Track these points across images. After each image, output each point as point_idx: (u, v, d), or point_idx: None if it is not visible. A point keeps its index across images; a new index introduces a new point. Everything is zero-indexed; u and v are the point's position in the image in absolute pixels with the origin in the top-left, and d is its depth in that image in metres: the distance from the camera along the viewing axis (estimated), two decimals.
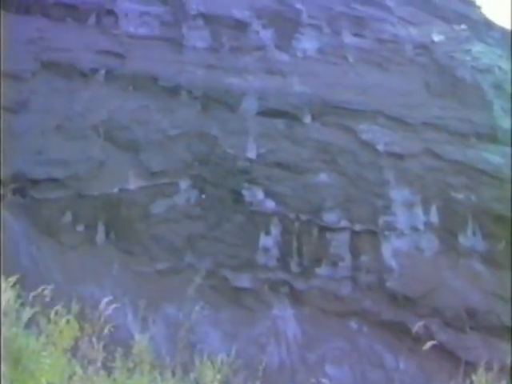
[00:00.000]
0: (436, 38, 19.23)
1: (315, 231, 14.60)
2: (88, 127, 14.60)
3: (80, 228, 13.55)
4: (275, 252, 14.27)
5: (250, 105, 15.76)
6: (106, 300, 6.31)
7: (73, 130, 14.45)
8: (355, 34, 18.28)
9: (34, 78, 15.07)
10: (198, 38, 17.05)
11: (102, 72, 15.62)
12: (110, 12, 17.13)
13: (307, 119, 15.93)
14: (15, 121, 14.01)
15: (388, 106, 16.65)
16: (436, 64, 18.37)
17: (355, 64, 17.55)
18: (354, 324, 14.17)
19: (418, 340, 8.47)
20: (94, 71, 15.59)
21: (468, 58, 18.68)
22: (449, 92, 17.73)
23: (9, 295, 5.61)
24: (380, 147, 15.93)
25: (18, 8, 16.47)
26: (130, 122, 14.97)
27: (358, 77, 17.20)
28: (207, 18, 17.45)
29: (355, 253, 14.73)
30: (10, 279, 5.94)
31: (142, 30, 16.98)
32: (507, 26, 22.05)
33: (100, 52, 16.01)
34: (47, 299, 6.23)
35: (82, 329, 5.90)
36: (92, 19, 16.84)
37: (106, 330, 6.05)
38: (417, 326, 7.70)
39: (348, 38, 18.16)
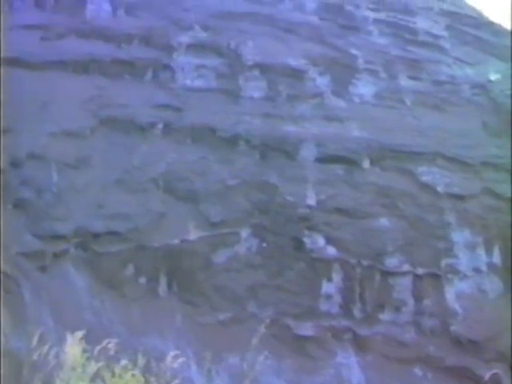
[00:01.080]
0: (492, 76, 19.17)
1: (377, 276, 14.48)
2: (147, 180, 14.87)
3: (142, 280, 13.67)
4: (337, 299, 14.19)
5: (308, 152, 15.86)
6: (172, 354, 6.31)
7: (132, 183, 14.73)
8: (411, 77, 18.40)
9: (93, 135, 15.49)
10: (254, 87, 17.32)
11: (160, 126, 15.97)
12: (167, 66, 17.63)
13: (366, 164, 15.96)
14: (76, 176, 14.38)
15: (446, 147, 16.61)
16: (493, 103, 18.32)
17: (412, 107, 17.61)
18: (418, 370, 13.92)
19: None
20: (152, 125, 15.95)
21: None
22: (506, 130, 17.56)
23: (75, 350, 5.68)
24: (440, 189, 15.85)
25: (75, 68, 17.06)
26: (189, 174, 15.19)
27: (416, 119, 17.24)
28: (263, 68, 17.73)
29: (418, 297, 14.56)
30: (76, 334, 6.02)
31: (198, 83, 17.36)
32: None
33: (157, 106, 16.39)
34: (111, 353, 6.27)
35: (147, 383, 5.92)
36: (149, 74, 17.32)
37: None
38: (488, 375, 7.54)
39: (404, 81, 18.26)
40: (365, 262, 14.51)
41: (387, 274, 14.58)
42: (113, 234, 13.90)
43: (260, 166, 15.58)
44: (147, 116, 16.10)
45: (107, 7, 19.62)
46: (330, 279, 14.33)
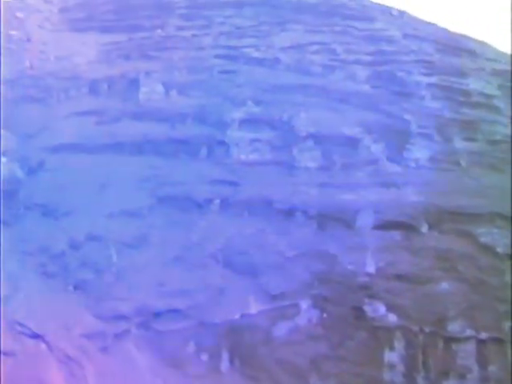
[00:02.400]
0: None
1: (440, 343, 14.47)
2: (206, 256, 15.42)
3: (204, 357, 13.95)
4: (401, 367, 14.18)
5: (365, 219, 16.17)
6: None
7: (192, 259, 15.33)
8: (466, 139, 18.64)
9: (151, 214, 16.29)
10: (309, 158, 17.88)
11: (217, 201, 16.61)
12: (221, 142, 18.45)
13: (424, 228, 16.07)
14: (136, 256, 15.14)
15: (505, 206, 16.70)
16: None
17: (468, 168, 17.80)
18: None
19: None
20: (209, 201, 16.62)
21: None
22: None
23: None
24: (500, 249, 15.88)
25: (130, 149, 18.11)
26: (247, 247, 15.67)
27: (473, 180, 17.41)
28: (317, 138, 18.34)
29: (482, 363, 14.43)
30: None
31: (253, 157, 18.05)
32: None
33: (213, 182, 17.12)
34: None
35: None
36: (204, 151, 18.17)
37: None
38: None
39: (459, 143, 18.53)
40: (427, 329, 14.52)
41: (450, 339, 14.55)
42: (174, 311, 14.39)
43: (318, 235, 15.93)
44: (204, 192, 16.82)
45: (160, 89, 20.80)
46: (392, 348, 14.40)
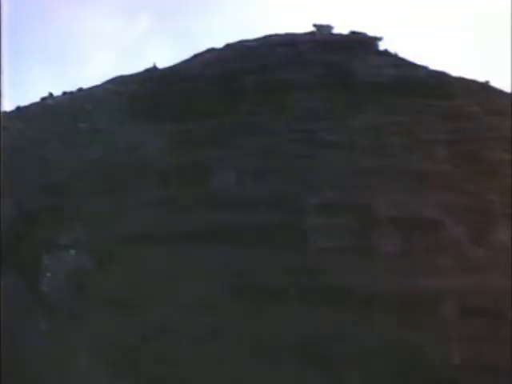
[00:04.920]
0: None
1: None
2: (282, 349, 15.75)
3: None
4: None
5: (449, 307, 16.31)
6: None
7: (268, 352, 15.68)
8: None
9: (225, 304, 16.80)
10: (388, 243, 18.30)
11: (293, 290, 17.05)
12: (297, 229, 19.09)
13: (510, 315, 16.25)
14: (210, 349, 15.62)
15: None
16: None
17: None
18: None
19: None
20: (285, 290, 17.09)
21: None
22: None
23: None
24: None
25: (203, 238, 18.83)
26: (325, 339, 15.97)
27: None
28: (397, 222, 18.80)
29: None
30: None
31: (331, 243, 18.56)
32: None
33: (289, 270, 17.64)
34: None
35: None
36: (279, 238, 18.77)
37: None
38: None
39: None
40: None
41: None
42: None
43: (400, 325, 16.11)
44: (279, 281, 17.34)
45: (232, 176, 21.61)
46: None
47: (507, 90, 28.86)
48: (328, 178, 21.07)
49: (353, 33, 41.61)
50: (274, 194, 20.52)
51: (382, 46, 38.79)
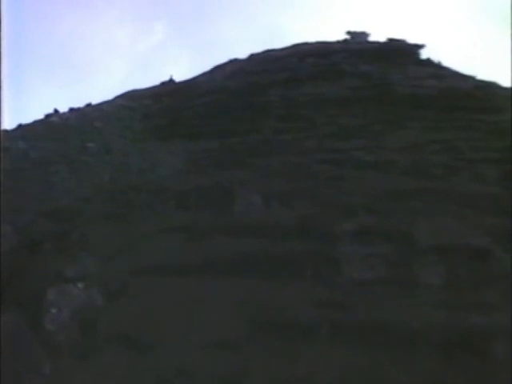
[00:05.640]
0: None
1: None
2: None
3: None
4: None
5: (500, 347, 16.14)
6: None
7: None
8: None
9: (249, 344, 16.76)
10: (431, 274, 18.20)
11: (326, 327, 16.97)
12: (329, 259, 19.08)
13: None
14: None
15: None
16: None
17: None
18: None
19: None
20: (316, 327, 16.97)
21: None
22: None
23: None
24: None
25: (225, 269, 18.88)
26: (362, 382, 15.90)
27: None
28: (440, 251, 18.73)
29: None
30: None
31: (367, 274, 18.54)
32: None
33: (321, 305, 17.54)
34: None
35: None
36: (309, 270, 18.76)
37: None
38: None
39: None
40: None
41: None
42: None
43: (444, 367, 15.98)
44: (310, 317, 17.20)
45: (257, 199, 21.73)
46: None
47: None
48: (363, 202, 21.13)
49: (391, 40, 41.85)
50: (303, 220, 20.60)
51: (423, 54, 38.99)
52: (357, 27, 46.73)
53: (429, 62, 37.61)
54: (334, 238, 19.77)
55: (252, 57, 40.86)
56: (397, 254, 19.01)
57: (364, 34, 45.26)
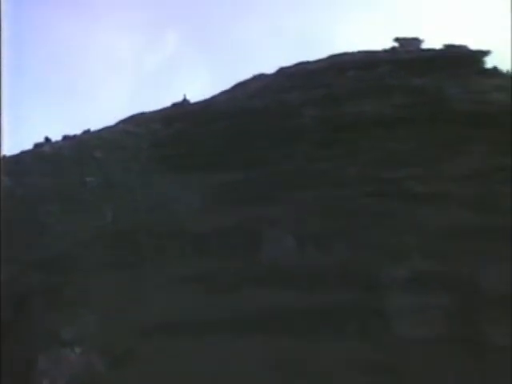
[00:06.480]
0: None
1: None
2: None
3: None
4: None
5: None
6: None
7: None
8: None
9: None
10: (504, 332, 17.84)
11: None
12: (376, 311, 19.11)
13: None
14: None
15: None
16: None
17: None
18: None
19: None
20: None
21: None
22: None
23: None
24: None
25: (252, 326, 19.02)
26: None
27: None
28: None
29: None
30: None
31: (421, 331, 18.47)
32: None
33: (367, 368, 17.51)
34: None
35: None
36: (352, 325, 18.81)
37: None
38: None
39: None
40: None
41: None
42: None
43: None
44: (354, 382, 17.32)
45: (290, 243, 21.81)
46: None
47: None
48: (416, 243, 21.10)
49: (448, 47, 41.82)
50: (344, 265, 20.67)
51: (489, 62, 38.94)
52: (407, 33, 46.85)
53: (495, 71, 37.46)
54: (382, 286, 19.81)
55: (281, 71, 40.92)
56: (458, 305, 18.93)
57: (415, 41, 45.26)
